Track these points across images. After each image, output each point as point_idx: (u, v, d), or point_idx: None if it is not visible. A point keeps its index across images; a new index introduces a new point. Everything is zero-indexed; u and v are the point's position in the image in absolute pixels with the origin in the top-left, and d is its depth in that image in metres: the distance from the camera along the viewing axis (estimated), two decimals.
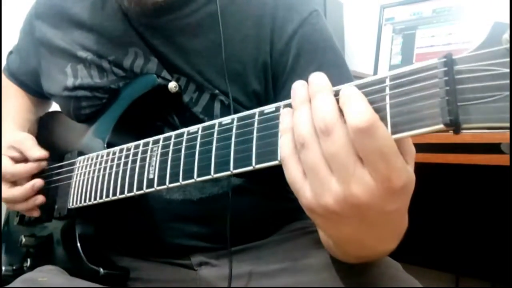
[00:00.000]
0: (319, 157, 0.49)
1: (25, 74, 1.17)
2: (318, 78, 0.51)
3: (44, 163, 1.00)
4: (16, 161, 1.00)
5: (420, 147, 1.31)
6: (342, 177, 0.47)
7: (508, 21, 0.41)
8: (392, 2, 1.88)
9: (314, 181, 0.50)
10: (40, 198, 0.99)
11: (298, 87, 0.52)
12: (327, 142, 0.47)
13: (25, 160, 1.00)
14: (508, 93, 0.38)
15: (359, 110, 0.45)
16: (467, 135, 1.25)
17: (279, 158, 0.55)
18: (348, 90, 0.48)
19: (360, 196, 0.47)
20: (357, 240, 0.59)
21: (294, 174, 0.52)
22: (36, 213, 1.01)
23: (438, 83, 0.43)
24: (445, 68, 0.42)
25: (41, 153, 0.99)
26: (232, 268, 0.86)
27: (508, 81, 0.39)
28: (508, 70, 0.39)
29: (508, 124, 0.39)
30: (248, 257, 0.93)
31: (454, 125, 0.42)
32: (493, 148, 1.20)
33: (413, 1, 1.81)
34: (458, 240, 1.95)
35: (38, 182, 0.98)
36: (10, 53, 1.23)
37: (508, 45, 0.39)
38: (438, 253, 2.01)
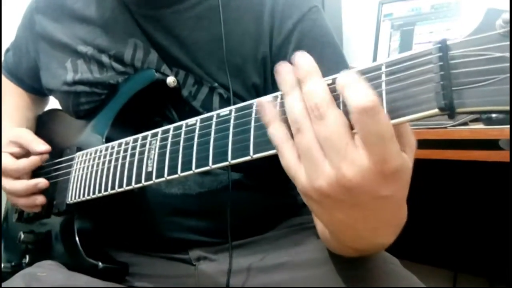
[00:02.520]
0: (312, 141, 0.49)
1: (23, 71, 1.17)
2: (306, 62, 0.51)
3: (46, 156, 1.00)
4: (17, 156, 1.00)
5: (418, 143, 1.31)
6: (334, 160, 0.48)
7: (504, 11, 0.41)
8: None
9: (308, 165, 0.50)
10: (40, 199, 0.98)
11: (284, 72, 0.53)
12: (320, 126, 0.48)
13: (26, 154, 1.00)
14: (502, 76, 0.39)
15: (364, 91, 0.45)
16: (466, 131, 1.25)
17: None
18: (349, 75, 0.48)
19: (352, 178, 0.47)
20: (352, 228, 0.58)
21: (288, 160, 0.52)
22: (36, 209, 1.01)
23: (433, 68, 0.43)
24: (440, 54, 0.43)
25: (44, 147, 0.99)
26: (231, 264, 0.86)
27: (502, 65, 0.39)
28: (501, 54, 0.40)
29: (501, 108, 0.39)
30: (246, 252, 0.93)
31: (449, 109, 0.42)
32: (491, 144, 1.20)
33: None
34: (456, 236, 1.95)
35: (42, 182, 0.97)
36: (7, 50, 1.23)
37: (501, 30, 0.40)
38: (436, 250, 2.01)
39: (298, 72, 0.51)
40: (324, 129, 0.48)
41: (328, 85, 0.50)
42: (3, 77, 1.23)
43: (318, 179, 0.50)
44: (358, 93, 0.45)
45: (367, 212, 0.54)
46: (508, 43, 0.40)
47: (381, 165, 0.46)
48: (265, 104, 0.54)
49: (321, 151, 0.49)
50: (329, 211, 0.54)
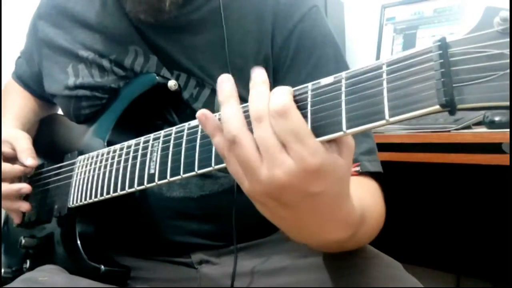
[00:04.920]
0: (249, 149, 0.53)
1: (30, 78, 1.18)
2: (257, 75, 0.57)
3: (29, 170, 1.02)
4: (6, 157, 1.01)
5: (422, 147, 1.32)
6: (268, 162, 0.51)
7: (502, 9, 0.42)
8: (393, 1, 1.90)
9: (247, 172, 0.54)
10: (25, 206, 1.00)
11: (224, 82, 0.58)
12: (258, 129, 0.52)
13: (15, 158, 1.01)
14: (501, 72, 0.40)
15: (278, 97, 0.51)
16: (468, 135, 1.25)
17: None
18: (277, 88, 0.54)
19: (281, 177, 0.51)
20: (298, 226, 0.61)
21: (233, 167, 0.56)
22: (17, 219, 1.02)
23: (433, 65, 0.44)
24: (440, 51, 0.44)
25: (31, 162, 1.00)
26: (235, 267, 0.86)
27: (500, 62, 0.40)
28: (500, 51, 0.40)
29: (500, 103, 0.40)
30: (249, 255, 0.93)
31: (450, 106, 0.42)
32: (494, 148, 1.20)
33: (414, 0, 1.82)
34: (459, 239, 1.95)
35: (25, 188, 0.99)
36: (19, 57, 1.24)
37: (499, 28, 0.41)
38: (439, 253, 2.01)
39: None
40: (261, 131, 0.52)
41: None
42: (13, 81, 1.24)
43: (257, 183, 0.53)
44: (273, 99, 0.52)
45: (305, 210, 0.56)
46: (507, 40, 0.40)
47: (302, 162, 0.50)
48: (208, 115, 0.58)
49: (258, 158, 0.52)
50: (273, 211, 0.57)
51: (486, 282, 1.94)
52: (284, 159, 0.50)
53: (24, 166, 0.99)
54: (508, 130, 1.17)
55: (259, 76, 0.56)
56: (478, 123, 1.31)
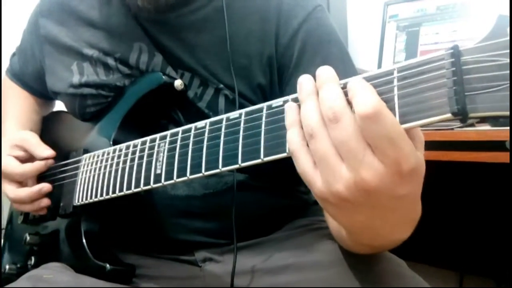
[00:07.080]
0: (328, 146, 0.49)
1: (29, 75, 1.17)
2: (325, 71, 0.52)
3: (51, 161, 1.00)
4: (22, 160, 1.01)
5: (425, 145, 1.31)
6: (352, 164, 0.48)
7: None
8: None
9: (325, 170, 0.51)
10: (45, 201, 0.99)
11: (304, 81, 0.53)
12: (336, 130, 0.48)
13: (31, 158, 1.01)
14: None
15: (366, 98, 0.46)
16: (472, 133, 1.24)
17: (287, 151, 0.55)
18: (356, 81, 0.49)
19: (370, 181, 0.48)
20: (371, 228, 0.59)
21: (304, 165, 0.53)
22: (42, 212, 1.01)
23: (445, 73, 0.44)
24: (452, 59, 0.43)
25: (49, 152, 0.99)
26: (234, 267, 0.86)
27: None
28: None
29: None
30: (252, 253, 0.93)
31: (462, 114, 0.42)
32: (498, 145, 1.20)
33: None
34: (462, 238, 1.95)
35: (45, 186, 0.98)
36: (13, 54, 1.23)
37: None
38: (442, 251, 2.01)
39: (317, 81, 0.52)
40: (340, 133, 0.48)
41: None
42: (8, 80, 1.23)
43: (336, 183, 0.50)
44: (361, 100, 0.47)
45: (385, 212, 0.54)
46: None
47: (396, 167, 0.47)
48: (292, 106, 0.54)
49: (337, 156, 0.49)
50: (348, 214, 0.55)
51: (490, 281, 1.94)
52: (372, 161, 0.47)
53: (44, 159, 0.99)
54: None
55: (325, 72, 0.52)
56: (482, 121, 1.31)
